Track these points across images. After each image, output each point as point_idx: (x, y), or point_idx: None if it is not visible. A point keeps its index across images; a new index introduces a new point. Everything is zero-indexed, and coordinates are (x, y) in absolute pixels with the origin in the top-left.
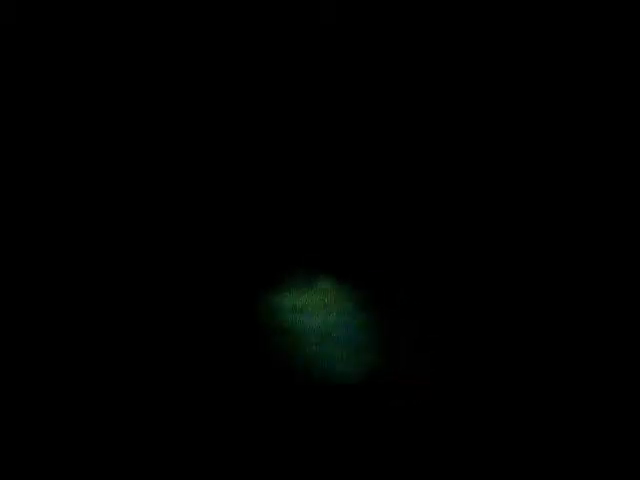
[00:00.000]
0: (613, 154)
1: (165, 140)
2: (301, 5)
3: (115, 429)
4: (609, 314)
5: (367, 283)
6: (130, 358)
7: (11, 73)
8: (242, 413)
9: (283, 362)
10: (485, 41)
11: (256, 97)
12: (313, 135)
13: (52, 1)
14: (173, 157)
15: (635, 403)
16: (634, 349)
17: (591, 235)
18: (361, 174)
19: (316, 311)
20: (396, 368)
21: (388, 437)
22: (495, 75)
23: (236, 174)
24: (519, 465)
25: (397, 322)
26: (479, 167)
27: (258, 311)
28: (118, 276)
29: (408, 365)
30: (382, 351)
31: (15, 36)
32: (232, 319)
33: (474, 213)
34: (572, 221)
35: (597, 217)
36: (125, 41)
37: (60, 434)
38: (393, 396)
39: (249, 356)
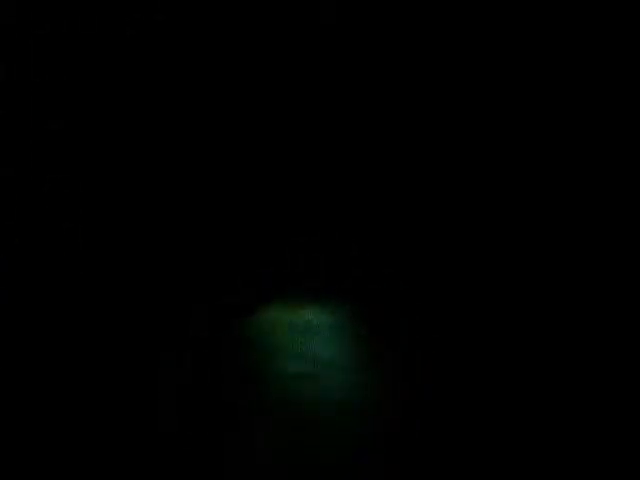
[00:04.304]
0: (613, 154)
1: (163, 141)
2: (301, 5)
3: (105, 432)
4: (609, 314)
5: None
6: (121, 363)
7: (11, 73)
8: (226, 428)
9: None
10: (485, 41)
11: (255, 97)
12: (314, 136)
13: (52, 1)
14: (171, 160)
15: (635, 403)
16: (634, 349)
17: (591, 235)
18: (360, 176)
19: (311, 328)
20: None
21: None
22: (495, 75)
23: (234, 180)
24: (518, 466)
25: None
26: (479, 171)
27: (252, 325)
28: (111, 279)
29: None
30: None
31: (15, 36)
32: (225, 331)
33: (475, 217)
34: (571, 222)
35: (597, 217)
36: (125, 41)
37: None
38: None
39: (237, 367)
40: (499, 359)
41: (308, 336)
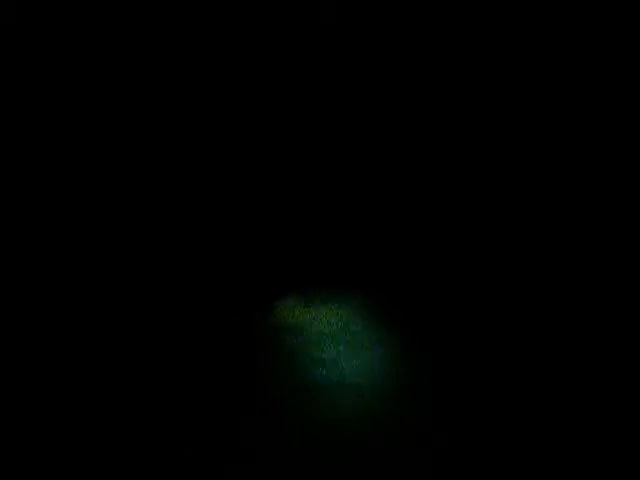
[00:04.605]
0: (613, 154)
1: (164, 141)
2: (301, 5)
3: (112, 431)
4: (608, 314)
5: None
6: (128, 366)
7: (11, 73)
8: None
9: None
10: (484, 41)
11: (256, 97)
12: (314, 136)
13: (52, 1)
14: (174, 163)
15: (635, 403)
16: (633, 349)
17: (590, 236)
18: (360, 175)
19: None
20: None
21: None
22: (494, 75)
23: (234, 180)
24: (519, 466)
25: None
26: (479, 171)
27: (257, 328)
28: (115, 282)
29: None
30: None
31: (15, 36)
32: (230, 335)
33: (475, 218)
34: (570, 222)
35: (597, 217)
36: (125, 41)
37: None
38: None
39: (244, 370)
40: (500, 357)
41: (309, 336)
